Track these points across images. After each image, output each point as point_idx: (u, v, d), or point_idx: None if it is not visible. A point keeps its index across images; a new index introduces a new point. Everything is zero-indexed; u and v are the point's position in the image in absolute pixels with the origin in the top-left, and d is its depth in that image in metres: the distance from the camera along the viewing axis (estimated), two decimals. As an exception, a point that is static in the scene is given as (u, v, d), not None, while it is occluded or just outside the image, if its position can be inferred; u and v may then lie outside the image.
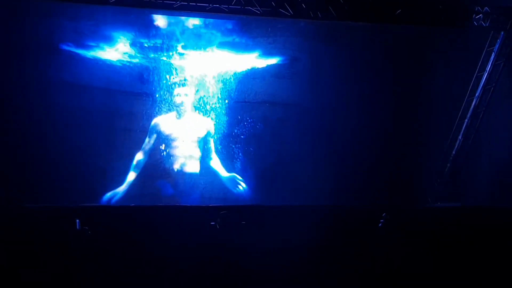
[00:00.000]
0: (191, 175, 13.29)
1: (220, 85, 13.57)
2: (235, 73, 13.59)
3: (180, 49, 13.35)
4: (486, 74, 13.41)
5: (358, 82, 13.56)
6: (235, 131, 13.64)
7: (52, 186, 11.97)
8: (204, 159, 13.41)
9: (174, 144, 13.25)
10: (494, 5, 13.00)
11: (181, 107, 13.23)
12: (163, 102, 13.33)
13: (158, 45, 13.19)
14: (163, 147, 13.23)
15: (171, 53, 13.29)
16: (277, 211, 10.33)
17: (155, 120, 13.28)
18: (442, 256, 9.45)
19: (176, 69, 13.35)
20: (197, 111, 13.43)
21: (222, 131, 13.57)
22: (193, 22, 13.14)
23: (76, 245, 8.84)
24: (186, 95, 13.27)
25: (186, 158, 13.29)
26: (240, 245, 9.17)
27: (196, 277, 8.78)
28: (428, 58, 13.60)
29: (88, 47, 12.85)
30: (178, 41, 13.25)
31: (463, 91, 13.65)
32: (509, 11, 13.12)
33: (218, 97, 13.57)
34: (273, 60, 13.61)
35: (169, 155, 13.24)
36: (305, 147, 13.48)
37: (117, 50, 13.05)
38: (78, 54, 12.80)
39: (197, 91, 13.40)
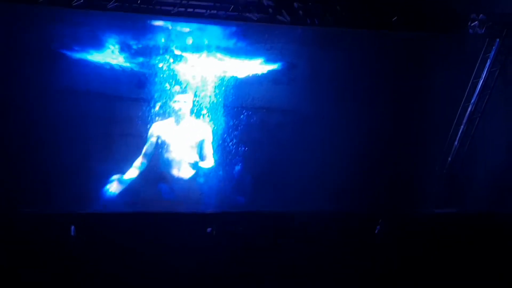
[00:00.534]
0: (189, 180, 13.28)
1: (217, 90, 13.60)
2: (232, 79, 13.63)
3: (177, 55, 13.38)
4: (481, 80, 13.46)
5: (355, 88, 13.60)
6: (232, 136, 13.65)
7: (47, 191, 11.95)
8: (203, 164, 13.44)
9: (172, 149, 13.25)
10: (489, 12, 13.05)
11: (179, 113, 13.21)
12: (161, 107, 13.33)
13: (155, 50, 13.21)
14: (161, 152, 13.23)
15: (168, 59, 13.31)
16: (274, 217, 10.32)
17: (154, 126, 13.28)
18: (439, 261, 9.46)
19: (173, 75, 13.37)
20: (194, 117, 13.42)
21: (219, 137, 13.58)
22: (190, 28, 13.14)
23: (71, 251, 8.83)
24: (184, 101, 13.26)
25: (184, 163, 13.28)
26: (236, 251, 9.17)
27: (193, 284, 8.79)
28: (424, 64, 13.65)
29: (85, 53, 12.87)
30: (175, 47, 13.27)
31: (459, 98, 13.69)
32: (505, 18, 13.17)
33: (215, 102, 13.60)
34: (271, 66, 13.66)
35: (167, 160, 13.24)
36: (302, 153, 13.51)
37: (114, 56, 13.07)
38: (74, 60, 12.81)
39: (195, 96, 13.41)
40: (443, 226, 10.26)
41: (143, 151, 13.16)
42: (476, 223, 10.26)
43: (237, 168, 13.64)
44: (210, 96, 13.60)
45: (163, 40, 13.16)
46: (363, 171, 13.31)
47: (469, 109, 13.61)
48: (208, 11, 11.86)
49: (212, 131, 13.52)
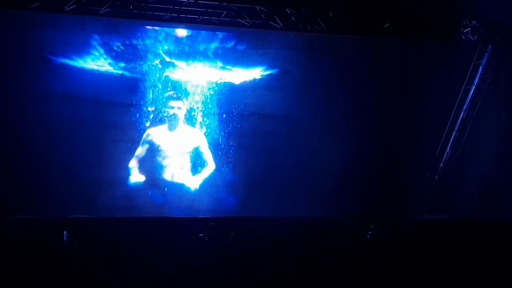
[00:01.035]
0: (181, 185, 13.28)
1: (210, 96, 13.59)
2: (224, 85, 13.62)
3: (169, 61, 13.37)
4: (473, 87, 13.54)
5: (348, 94, 13.59)
6: (224, 142, 13.65)
7: (39, 197, 11.93)
8: (195, 170, 13.43)
9: (165, 154, 13.26)
10: (482, 19, 13.12)
11: (172, 119, 13.21)
12: (153, 113, 13.33)
13: (147, 57, 13.20)
14: (154, 157, 13.23)
15: (160, 65, 13.30)
16: (266, 223, 10.33)
17: (148, 131, 13.29)
18: (430, 267, 9.48)
19: (166, 81, 13.36)
20: (187, 123, 13.42)
21: (211, 143, 13.58)
22: (183, 34, 13.15)
23: (64, 256, 8.82)
24: (178, 107, 13.26)
25: (176, 169, 13.29)
26: (228, 256, 9.16)
27: (185, 288, 8.80)
28: (416, 71, 13.65)
29: (77, 58, 12.84)
30: (167, 52, 13.26)
31: (451, 104, 13.73)
32: (497, 25, 13.25)
33: (208, 108, 13.59)
34: (263, 72, 13.65)
35: (160, 166, 13.25)
36: (294, 159, 13.51)
37: (106, 61, 13.04)
38: (66, 65, 12.77)
39: (188, 102, 13.40)
40: (434, 232, 10.28)
41: (136, 154, 13.18)
42: (467, 230, 10.27)
43: (228, 173, 13.64)
44: (202, 102, 13.59)
45: (155, 46, 13.15)
46: (355, 177, 13.30)
47: (461, 115, 13.66)
48: (201, 17, 11.91)
49: (202, 145, 13.52)
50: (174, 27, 12.76)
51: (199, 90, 13.58)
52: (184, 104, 13.33)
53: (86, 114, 12.82)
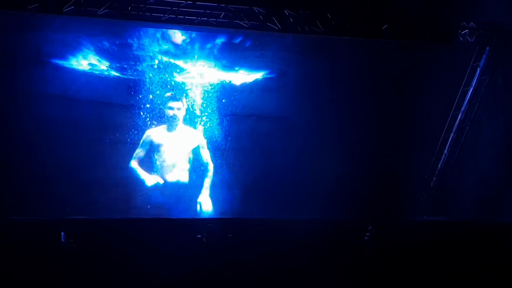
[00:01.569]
0: (180, 186, 13.28)
1: (208, 98, 13.59)
2: (222, 86, 13.62)
3: (168, 62, 13.38)
4: (471, 89, 13.52)
5: (345, 96, 13.61)
6: (222, 144, 13.65)
7: (37, 199, 11.92)
8: (194, 171, 13.44)
9: (165, 155, 13.26)
10: (479, 21, 13.12)
11: (171, 119, 13.22)
12: (151, 114, 13.33)
13: (145, 58, 13.20)
14: (154, 157, 13.24)
15: (159, 66, 13.31)
16: (264, 225, 10.33)
17: (147, 132, 13.29)
18: (427, 269, 9.49)
19: (165, 82, 13.36)
20: (185, 124, 13.42)
21: (209, 144, 13.58)
22: (181, 35, 13.16)
23: (61, 258, 8.81)
24: (177, 108, 13.25)
25: (176, 169, 13.29)
26: (226, 258, 9.17)
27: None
28: (414, 73, 13.66)
29: (74, 59, 12.84)
30: (165, 54, 13.27)
31: (449, 106, 13.73)
32: (495, 27, 13.26)
33: (205, 110, 13.59)
34: (261, 74, 13.66)
35: (160, 166, 13.25)
36: (292, 160, 13.50)
37: (104, 62, 13.04)
38: (64, 67, 12.78)
39: (186, 103, 13.40)
40: (432, 233, 10.29)
41: (135, 155, 13.19)
42: (465, 231, 10.29)
43: (226, 174, 13.64)
44: (201, 104, 13.59)
45: (153, 47, 13.16)
46: (353, 179, 13.29)
47: (459, 117, 13.65)
48: (199, 18, 11.91)
49: (201, 145, 13.52)
50: (172, 29, 12.76)
51: (197, 91, 13.58)
52: (183, 105, 13.33)
53: (85, 115, 12.81)
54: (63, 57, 12.77)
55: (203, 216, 13.02)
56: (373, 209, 12.77)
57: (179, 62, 13.39)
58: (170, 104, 13.24)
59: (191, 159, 13.43)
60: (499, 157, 13.46)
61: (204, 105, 13.62)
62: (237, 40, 13.29)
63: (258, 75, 13.65)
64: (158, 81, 13.34)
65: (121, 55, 13.09)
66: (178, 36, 13.20)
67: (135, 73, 13.27)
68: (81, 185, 12.46)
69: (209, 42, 13.35)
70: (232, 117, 13.61)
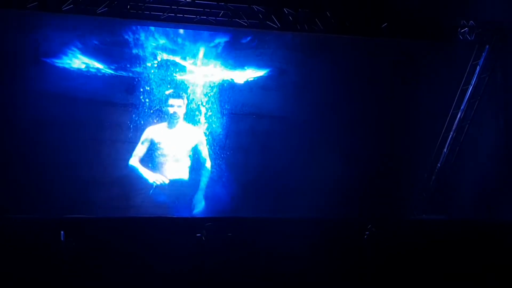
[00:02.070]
0: (180, 184, 13.29)
1: (208, 96, 13.59)
2: (222, 84, 13.60)
3: (168, 60, 13.37)
4: (471, 87, 13.50)
5: (344, 95, 13.60)
6: (222, 142, 13.65)
7: (37, 197, 11.91)
8: (194, 169, 13.44)
9: (165, 152, 13.27)
10: (479, 19, 13.12)
11: (172, 117, 13.22)
12: (151, 112, 13.33)
13: (145, 56, 13.19)
14: (154, 155, 13.24)
15: (158, 64, 13.30)
16: (263, 223, 10.33)
17: (147, 130, 13.29)
18: (427, 268, 9.49)
19: (163, 81, 13.35)
20: (184, 122, 13.41)
21: (209, 142, 13.58)
22: (180, 33, 13.15)
23: (61, 256, 8.81)
24: (177, 106, 13.25)
25: (175, 167, 13.30)
26: (225, 256, 9.16)
27: None
28: (414, 71, 13.67)
29: (73, 58, 12.83)
30: (165, 51, 13.27)
31: (448, 104, 13.73)
32: (494, 25, 13.25)
33: (205, 108, 13.59)
34: (261, 72, 13.65)
35: (161, 164, 13.25)
36: (291, 159, 13.50)
37: (102, 61, 13.03)
38: (63, 66, 12.77)
39: (185, 102, 13.39)
40: (432, 232, 10.29)
41: (135, 152, 13.19)
42: (464, 230, 10.29)
43: (226, 173, 13.64)
44: (200, 102, 13.59)
45: (153, 45, 13.16)
46: (352, 177, 13.30)
47: (458, 115, 13.63)
48: (198, 16, 11.91)
49: (201, 143, 13.53)
50: (171, 27, 12.75)
51: (197, 90, 13.57)
52: (183, 102, 13.33)
53: (84, 114, 12.81)
54: (61, 56, 12.75)
55: (200, 215, 13.03)
56: (372, 208, 12.77)
57: (179, 60, 13.38)
58: (171, 101, 13.24)
59: (191, 156, 13.45)
60: (499, 155, 13.46)
61: (204, 103, 13.61)
62: (237, 39, 13.29)
63: (258, 73, 13.64)
64: (158, 79, 13.33)
65: (119, 53, 13.06)
66: (177, 34, 13.19)
67: (135, 71, 13.25)
68: (80, 183, 12.46)
69: (208, 41, 13.35)
70: (232, 116, 13.61)
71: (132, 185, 13.12)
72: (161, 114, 13.33)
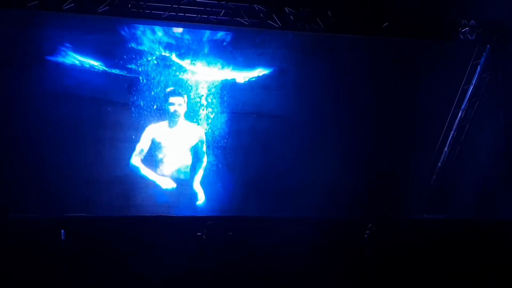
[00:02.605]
0: (180, 183, 13.30)
1: (208, 95, 13.60)
2: (223, 83, 13.62)
3: (168, 58, 13.37)
4: (472, 87, 13.51)
5: (345, 95, 13.61)
6: (222, 141, 13.65)
7: (37, 196, 11.91)
8: (195, 168, 13.47)
9: (166, 151, 13.29)
10: (480, 18, 13.11)
11: (172, 116, 13.22)
12: (151, 111, 13.33)
13: (145, 55, 13.21)
14: (155, 154, 13.25)
15: (158, 63, 13.31)
16: (263, 223, 10.32)
17: (148, 128, 13.30)
18: (427, 267, 9.49)
19: (163, 79, 13.36)
20: (185, 121, 13.42)
21: (209, 142, 13.59)
22: (182, 33, 13.16)
23: (61, 255, 8.81)
24: (178, 104, 13.25)
25: (178, 165, 13.31)
26: (226, 256, 9.17)
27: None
28: (414, 70, 13.67)
29: (74, 57, 12.84)
30: (165, 50, 13.27)
31: (449, 104, 13.72)
32: (495, 24, 13.25)
33: (205, 107, 13.60)
34: (261, 72, 13.65)
35: (162, 162, 13.26)
36: (292, 158, 13.50)
37: (103, 59, 13.03)
38: (64, 64, 12.78)
39: (186, 100, 13.39)
40: (432, 231, 10.28)
41: (136, 152, 13.19)
42: (465, 229, 10.28)
43: (226, 172, 13.65)
44: (201, 101, 13.60)
45: (153, 43, 13.16)
46: (352, 177, 13.30)
47: (459, 115, 13.64)
48: (199, 15, 11.91)
49: (201, 140, 13.54)
50: (172, 26, 12.76)
51: (198, 88, 13.58)
52: (184, 100, 13.33)
53: (85, 112, 12.83)
54: (62, 54, 12.76)
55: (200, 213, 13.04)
56: (373, 208, 12.77)
57: (179, 59, 13.38)
58: (171, 99, 13.25)
59: (192, 155, 13.46)
60: (499, 155, 13.46)
61: (204, 102, 13.63)
62: (238, 38, 13.29)
63: (258, 72, 13.65)
64: (159, 78, 13.33)
65: (120, 51, 13.07)
66: (178, 33, 13.19)
67: (136, 70, 13.25)
68: (81, 182, 12.47)
69: (209, 39, 13.35)
70: (232, 115, 13.62)
71: (133, 184, 13.13)
72: (162, 113, 13.34)
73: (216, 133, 13.62)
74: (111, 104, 13.10)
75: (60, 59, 12.76)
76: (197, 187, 13.44)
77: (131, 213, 12.72)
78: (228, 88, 13.61)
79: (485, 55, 13.39)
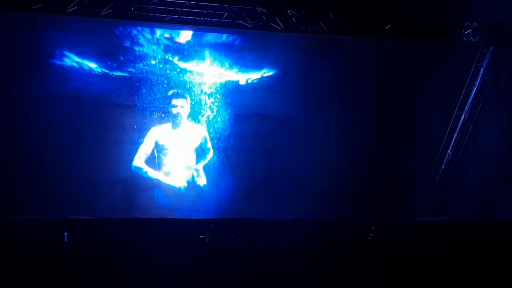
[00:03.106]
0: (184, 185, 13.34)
1: (211, 97, 13.60)
2: (225, 86, 13.62)
3: (171, 61, 13.38)
4: (475, 89, 13.52)
5: (348, 96, 13.60)
6: (225, 143, 13.66)
7: (40, 198, 11.94)
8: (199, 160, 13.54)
9: (170, 153, 13.32)
10: (483, 21, 13.10)
11: (175, 117, 13.25)
12: (154, 113, 13.35)
13: (148, 57, 13.21)
14: (159, 155, 13.28)
15: (161, 66, 13.32)
16: (266, 225, 10.33)
17: (151, 130, 13.33)
18: (430, 269, 9.48)
19: (166, 81, 13.37)
20: (188, 122, 13.44)
21: (212, 144, 13.60)
22: (185, 35, 13.18)
23: (64, 257, 8.83)
24: (181, 106, 13.27)
25: (181, 167, 13.33)
26: (228, 258, 9.17)
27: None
28: (417, 72, 13.66)
29: (77, 60, 12.86)
30: (168, 53, 13.29)
31: (452, 106, 13.72)
32: (498, 26, 13.23)
33: (208, 110, 13.60)
34: (264, 74, 13.65)
35: (165, 164, 13.29)
36: (295, 160, 13.50)
37: (106, 62, 13.05)
38: (67, 67, 12.80)
39: (188, 102, 13.41)
40: (435, 233, 10.28)
41: (139, 153, 13.21)
42: (468, 231, 10.27)
43: (229, 174, 13.66)
44: (204, 103, 13.61)
45: (156, 46, 13.18)
46: (356, 179, 13.30)
47: (462, 117, 13.64)
48: (202, 18, 11.92)
49: (205, 138, 13.55)
50: (175, 29, 12.78)
51: (200, 90, 13.59)
52: (187, 102, 13.36)
53: (88, 115, 12.84)
54: (66, 57, 12.79)
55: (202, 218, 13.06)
56: (376, 210, 12.77)
57: (182, 61, 13.40)
58: (174, 102, 13.27)
59: (196, 157, 13.49)
60: (503, 156, 13.44)
61: (207, 104, 13.64)
62: (241, 40, 13.31)
63: (261, 75, 13.65)
64: (162, 80, 13.35)
65: (123, 54, 13.09)
66: (181, 35, 13.21)
67: (139, 72, 13.26)
68: (84, 184, 12.49)
69: (212, 42, 13.37)
70: (235, 117, 13.63)
71: (136, 186, 13.15)
72: (165, 115, 13.36)
73: (219, 135, 13.62)
74: (115, 106, 13.11)
75: (63, 61, 12.78)
76: (201, 170, 13.49)
77: (134, 215, 12.71)
78: (231, 90, 13.62)
79: (488, 57, 13.38)
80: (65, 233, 8.97)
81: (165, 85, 13.37)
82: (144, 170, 13.19)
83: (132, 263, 8.92)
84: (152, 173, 13.21)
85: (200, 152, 13.57)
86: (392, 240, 9.85)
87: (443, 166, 13.74)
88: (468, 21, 13.08)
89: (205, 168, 13.61)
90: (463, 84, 13.65)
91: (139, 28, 12.82)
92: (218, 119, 13.63)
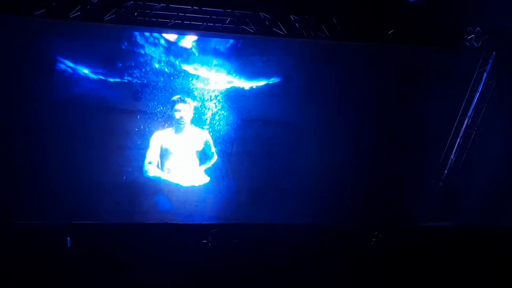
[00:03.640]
0: (187, 190, 13.32)
1: (213, 102, 13.62)
2: (228, 91, 13.63)
3: (173, 66, 13.41)
4: (478, 94, 13.50)
5: (351, 101, 13.60)
6: (228, 148, 13.68)
7: (43, 203, 11.94)
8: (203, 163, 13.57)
9: (172, 158, 13.32)
10: (485, 25, 13.10)
11: (178, 122, 13.27)
12: (157, 118, 13.37)
13: (150, 62, 13.24)
14: (162, 160, 13.29)
15: (164, 70, 13.35)
16: (269, 229, 10.33)
17: (154, 135, 13.35)
18: (433, 275, 9.47)
19: (169, 86, 13.39)
20: (191, 127, 13.46)
21: (214, 148, 13.62)
22: (188, 40, 13.20)
23: (67, 263, 8.83)
24: (184, 111, 13.29)
25: (183, 172, 13.34)
26: (231, 263, 9.18)
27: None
28: (420, 78, 13.66)
29: (81, 65, 12.89)
30: (170, 57, 13.31)
31: (455, 111, 13.71)
32: (501, 31, 13.23)
33: (210, 114, 13.62)
34: (267, 79, 13.67)
35: (168, 170, 13.30)
36: (297, 165, 13.49)
37: (109, 67, 13.07)
38: (70, 72, 12.83)
39: (191, 107, 13.43)
40: (439, 239, 10.27)
41: (146, 159, 13.23)
42: (471, 237, 10.26)
43: (231, 179, 13.66)
44: (206, 109, 13.63)
45: (159, 51, 13.21)
46: (358, 184, 13.29)
47: (465, 122, 13.62)
48: (205, 23, 11.93)
49: (207, 143, 13.57)
50: (178, 34, 12.80)
51: (203, 95, 13.61)
52: (190, 107, 13.37)
53: (91, 120, 12.85)
54: (70, 62, 12.82)
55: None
56: (379, 215, 12.76)
57: (185, 66, 13.42)
58: (177, 106, 13.29)
59: (200, 160, 13.51)
60: (506, 162, 13.42)
61: (210, 109, 13.66)
62: (243, 45, 13.33)
63: (264, 80, 13.67)
64: (165, 85, 13.38)
65: (126, 59, 13.11)
66: (184, 40, 13.24)
67: (141, 77, 13.28)
68: (88, 190, 12.48)
69: (215, 47, 13.39)
70: (238, 122, 13.64)
71: (139, 192, 13.14)
72: (168, 120, 13.38)
73: (222, 140, 13.63)
74: (118, 112, 13.13)
75: (67, 67, 12.81)
76: (204, 175, 13.53)
77: (137, 220, 12.71)
78: (233, 95, 13.62)
79: (491, 62, 13.37)
80: (68, 238, 8.97)
81: (168, 90, 13.40)
82: (159, 176, 13.22)
83: (135, 267, 8.94)
84: (166, 176, 13.25)
85: (204, 156, 13.58)
86: (395, 245, 9.84)
87: (446, 171, 13.72)
88: (471, 26, 13.08)
89: (208, 172, 13.60)
90: (466, 89, 13.64)
91: (143, 33, 12.84)
92: (220, 124, 13.65)
